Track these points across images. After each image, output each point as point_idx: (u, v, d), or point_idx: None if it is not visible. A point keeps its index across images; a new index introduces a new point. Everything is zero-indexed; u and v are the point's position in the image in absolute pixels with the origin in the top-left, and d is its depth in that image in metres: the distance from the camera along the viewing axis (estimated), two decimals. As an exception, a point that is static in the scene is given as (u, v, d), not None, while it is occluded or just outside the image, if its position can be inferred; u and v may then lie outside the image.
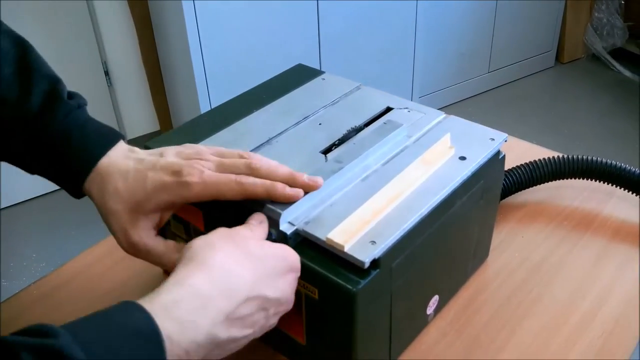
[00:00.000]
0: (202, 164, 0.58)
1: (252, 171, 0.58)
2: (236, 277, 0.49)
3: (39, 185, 2.49)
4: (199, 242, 0.51)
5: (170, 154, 0.60)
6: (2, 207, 2.45)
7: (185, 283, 0.47)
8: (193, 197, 0.57)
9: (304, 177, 0.58)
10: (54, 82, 0.62)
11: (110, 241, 0.87)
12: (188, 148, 0.61)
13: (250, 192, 0.57)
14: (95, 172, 0.59)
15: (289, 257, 0.54)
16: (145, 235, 0.59)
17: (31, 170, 0.62)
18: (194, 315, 0.45)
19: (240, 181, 0.56)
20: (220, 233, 0.53)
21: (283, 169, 0.59)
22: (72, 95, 0.63)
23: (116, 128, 2.48)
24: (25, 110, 0.59)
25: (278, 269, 0.52)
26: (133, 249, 0.60)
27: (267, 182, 0.57)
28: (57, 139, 0.59)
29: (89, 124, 0.61)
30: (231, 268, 0.49)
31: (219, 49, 2.07)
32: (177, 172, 0.57)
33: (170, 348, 0.43)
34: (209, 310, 0.46)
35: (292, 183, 0.58)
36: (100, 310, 0.43)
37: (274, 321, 0.54)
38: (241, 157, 0.59)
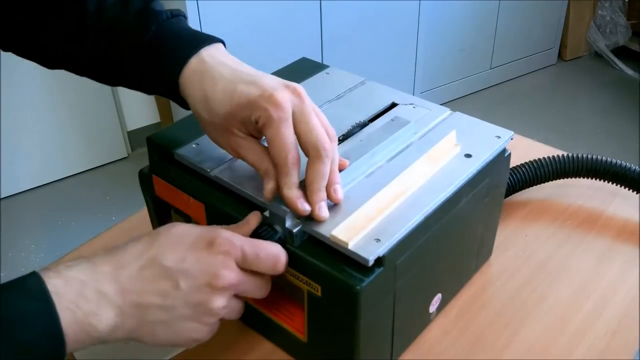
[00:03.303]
0: (290, 108, 0.55)
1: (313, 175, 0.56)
2: (126, 249, 0.52)
3: (39, 175, 2.49)
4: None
5: (273, 78, 0.57)
6: (2, 196, 2.44)
7: (88, 256, 0.51)
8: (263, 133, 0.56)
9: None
10: (148, 1, 0.63)
11: (109, 234, 0.86)
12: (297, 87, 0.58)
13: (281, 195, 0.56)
14: (186, 72, 0.59)
15: (203, 233, 0.52)
16: (241, 142, 0.58)
17: (133, 84, 0.65)
18: (80, 274, 0.49)
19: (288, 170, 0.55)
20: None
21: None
22: (172, 12, 0.63)
23: (116, 120, 2.46)
24: (125, 27, 0.61)
25: (182, 242, 0.52)
26: (232, 154, 0.61)
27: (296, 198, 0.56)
28: (152, 45, 0.60)
29: (184, 30, 0.62)
30: (128, 245, 0.52)
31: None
32: (266, 97, 0.55)
33: (58, 300, 0.46)
34: (94, 272, 0.49)
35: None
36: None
37: (199, 297, 0.51)
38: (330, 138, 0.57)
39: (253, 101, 0.55)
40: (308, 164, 0.56)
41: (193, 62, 0.59)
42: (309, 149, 0.55)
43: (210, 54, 0.59)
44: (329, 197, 0.57)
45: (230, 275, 0.52)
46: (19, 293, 0.46)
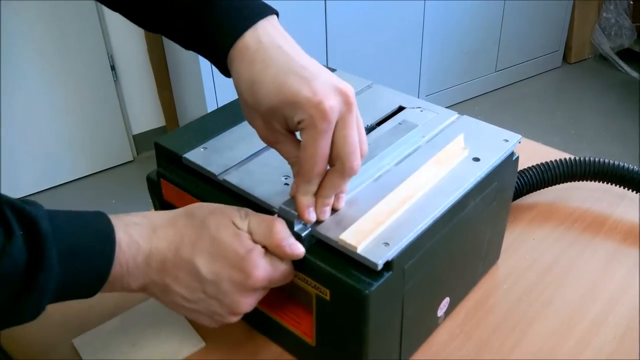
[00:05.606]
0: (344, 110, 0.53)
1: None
2: (184, 230, 0.55)
3: (45, 179, 2.49)
4: (198, 206, 0.57)
5: (326, 79, 0.53)
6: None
7: (150, 216, 0.55)
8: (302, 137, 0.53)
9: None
10: None
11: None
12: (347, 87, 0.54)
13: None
14: (239, 46, 0.55)
15: (244, 259, 0.53)
16: (278, 137, 0.56)
17: (187, 46, 0.61)
18: (141, 239, 0.53)
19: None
20: (218, 208, 0.56)
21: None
22: None
23: (122, 123, 2.48)
24: None
25: (223, 257, 0.54)
26: (265, 142, 0.59)
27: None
28: (205, 10, 0.56)
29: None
30: (186, 232, 0.54)
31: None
32: (315, 103, 0.51)
33: (117, 254, 0.51)
34: (151, 241, 0.53)
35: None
36: (78, 211, 0.52)
37: (217, 309, 0.56)
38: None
39: (300, 103, 0.51)
40: (329, 171, 0.55)
41: (247, 37, 0.54)
42: (336, 160, 0.54)
43: (266, 31, 0.55)
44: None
45: (251, 303, 0.57)
46: (93, 228, 0.51)
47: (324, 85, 0.52)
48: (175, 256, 0.54)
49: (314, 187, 0.55)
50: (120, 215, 0.53)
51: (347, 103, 0.53)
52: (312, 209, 0.56)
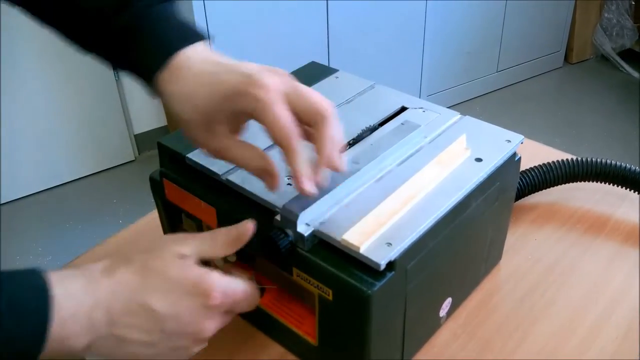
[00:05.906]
0: (279, 82, 0.52)
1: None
2: (122, 276, 0.52)
3: (46, 178, 2.50)
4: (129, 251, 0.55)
5: (255, 64, 0.54)
6: (10, 199, 2.45)
7: (84, 269, 0.52)
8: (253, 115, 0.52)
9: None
10: None
11: (117, 238, 0.86)
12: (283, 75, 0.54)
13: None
14: (167, 70, 0.55)
15: (199, 282, 0.52)
16: (227, 142, 0.56)
17: (115, 65, 0.61)
18: (80, 293, 0.49)
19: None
20: (156, 247, 0.55)
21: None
22: None
23: (123, 123, 2.47)
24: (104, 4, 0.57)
25: (176, 289, 0.52)
26: (215, 156, 0.57)
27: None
28: (132, 30, 0.57)
29: (165, 20, 0.58)
30: (120, 271, 0.52)
31: (228, 46, 2.06)
32: (253, 82, 0.52)
33: (56, 311, 0.47)
34: (91, 294, 0.50)
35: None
36: (8, 270, 0.48)
37: (180, 343, 0.54)
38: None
39: (239, 89, 0.52)
40: (316, 133, 0.53)
41: (175, 60, 0.55)
42: (311, 116, 0.53)
43: (195, 50, 0.56)
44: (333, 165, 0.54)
45: (215, 325, 0.55)
46: (28, 291, 0.47)
47: (254, 67, 0.54)
48: (123, 304, 0.51)
49: (304, 155, 0.52)
50: (54, 271, 0.50)
51: (285, 75, 0.54)
52: (311, 180, 0.53)
